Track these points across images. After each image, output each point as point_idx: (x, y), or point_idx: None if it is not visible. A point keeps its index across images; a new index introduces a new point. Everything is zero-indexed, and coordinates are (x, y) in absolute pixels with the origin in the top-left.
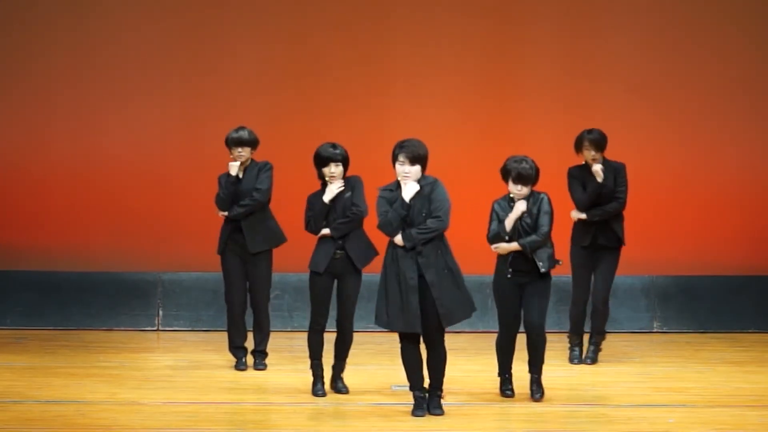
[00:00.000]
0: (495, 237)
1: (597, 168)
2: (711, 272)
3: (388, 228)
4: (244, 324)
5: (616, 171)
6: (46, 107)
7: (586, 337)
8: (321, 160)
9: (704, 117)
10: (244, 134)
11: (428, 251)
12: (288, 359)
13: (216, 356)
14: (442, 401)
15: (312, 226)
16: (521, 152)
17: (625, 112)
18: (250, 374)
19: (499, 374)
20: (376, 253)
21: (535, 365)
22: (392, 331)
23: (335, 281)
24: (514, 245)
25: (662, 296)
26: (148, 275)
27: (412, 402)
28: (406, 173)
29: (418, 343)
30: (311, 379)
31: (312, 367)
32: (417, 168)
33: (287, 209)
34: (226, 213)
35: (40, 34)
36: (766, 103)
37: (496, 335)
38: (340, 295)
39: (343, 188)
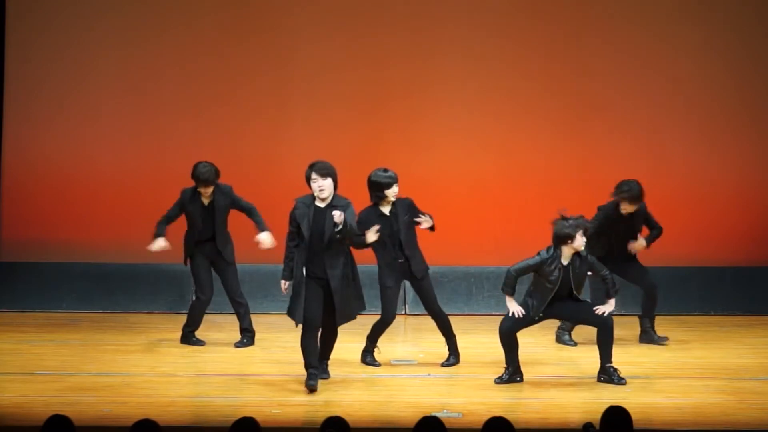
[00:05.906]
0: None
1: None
2: (662, 263)
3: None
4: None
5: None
6: (93, 126)
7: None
8: (381, 186)
9: (656, 128)
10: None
11: (335, 263)
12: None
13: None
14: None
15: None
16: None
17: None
18: (282, 350)
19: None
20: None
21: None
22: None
23: (404, 282)
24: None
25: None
26: (183, 266)
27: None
28: (321, 187)
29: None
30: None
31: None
32: (329, 181)
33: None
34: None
35: (89, 65)
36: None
37: (480, 317)
38: (419, 291)
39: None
